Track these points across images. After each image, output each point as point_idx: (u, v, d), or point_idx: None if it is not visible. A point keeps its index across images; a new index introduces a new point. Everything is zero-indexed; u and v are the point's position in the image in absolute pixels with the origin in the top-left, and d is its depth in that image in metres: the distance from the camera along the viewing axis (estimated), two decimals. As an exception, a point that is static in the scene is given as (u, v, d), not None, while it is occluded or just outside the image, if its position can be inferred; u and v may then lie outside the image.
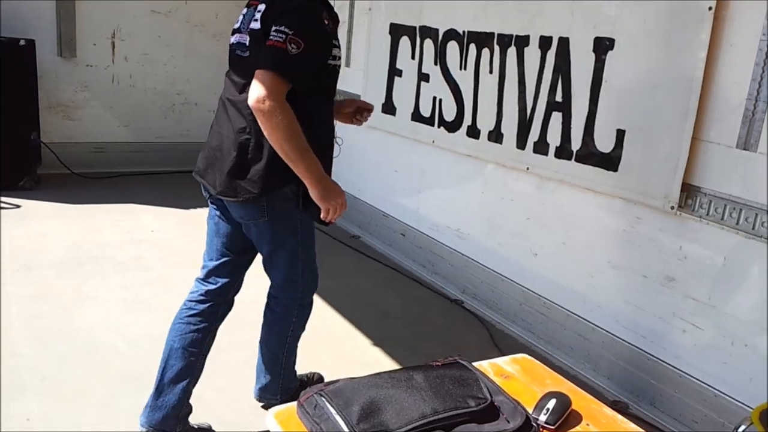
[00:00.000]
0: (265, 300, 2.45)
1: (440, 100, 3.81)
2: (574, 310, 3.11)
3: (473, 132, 3.58)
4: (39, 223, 4.23)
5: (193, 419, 2.32)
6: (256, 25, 1.94)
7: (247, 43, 1.99)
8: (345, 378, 1.21)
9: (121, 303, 3.25)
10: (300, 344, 3.03)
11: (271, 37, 1.83)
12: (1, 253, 3.64)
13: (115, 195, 4.96)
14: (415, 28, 3.96)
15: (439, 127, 3.84)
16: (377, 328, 3.26)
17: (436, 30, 3.78)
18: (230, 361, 2.81)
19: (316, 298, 3.45)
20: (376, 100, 4.30)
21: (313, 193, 1.98)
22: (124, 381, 2.58)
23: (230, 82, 2.07)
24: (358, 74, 4.53)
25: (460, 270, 3.79)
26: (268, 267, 2.31)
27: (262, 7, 1.95)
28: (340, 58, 2.12)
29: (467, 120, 3.62)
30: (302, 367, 2.78)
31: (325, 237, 4.55)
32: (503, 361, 1.44)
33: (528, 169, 3.24)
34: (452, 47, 3.68)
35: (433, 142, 3.90)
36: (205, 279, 2.32)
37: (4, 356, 2.63)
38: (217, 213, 2.22)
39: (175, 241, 4.17)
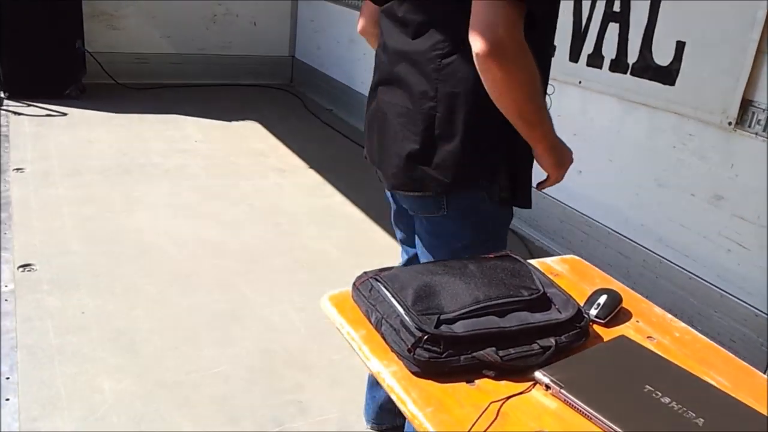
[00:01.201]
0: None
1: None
2: (616, 228, 3.08)
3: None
4: (86, 130, 4.30)
5: (239, 320, 2.41)
6: None
7: None
8: (398, 266, 1.23)
9: (169, 208, 3.33)
10: (346, 254, 3.09)
11: None
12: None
13: (159, 105, 4.99)
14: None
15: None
16: (417, 240, 3.29)
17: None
18: (273, 267, 2.88)
19: (356, 213, 3.49)
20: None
21: (547, 162, 1.49)
22: (173, 280, 2.66)
23: (393, 23, 1.44)
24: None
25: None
26: None
27: None
28: None
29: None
30: (350, 275, 2.85)
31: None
32: (553, 261, 1.44)
33: (580, 83, 3.15)
34: None
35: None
36: None
37: (59, 254, 2.74)
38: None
39: (218, 152, 4.21)
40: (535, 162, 1.52)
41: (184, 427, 1.89)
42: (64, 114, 4.57)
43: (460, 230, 1.50)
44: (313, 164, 4.20)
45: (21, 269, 2.55)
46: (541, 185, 1.59)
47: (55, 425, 1.84)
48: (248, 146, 4.41)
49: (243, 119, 4.90)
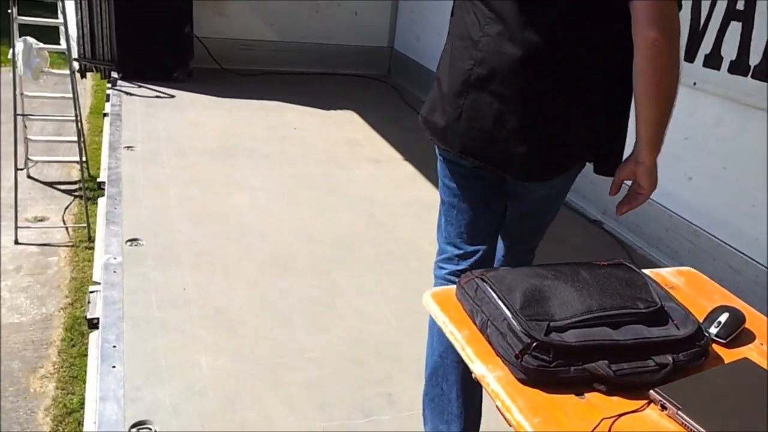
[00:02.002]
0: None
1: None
2: (727, 240, 2.91)
3: (633, 43, 3.32)
4: (192, 113, 4.47)
5: (332, 307, 2.44)
6: None
7: None
8: (505, 267, 1.20)
9: (268, 192, 3.41)
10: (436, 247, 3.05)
11: None
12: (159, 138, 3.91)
13: (261, 91, 5.12)
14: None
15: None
16: (511, 239, 3.22)
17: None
18: (366, 256, 2.89)
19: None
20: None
21: (653, 173, 1.48)
22: (269, 262, 2.72)
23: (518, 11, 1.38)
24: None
25: (602, 189, 3.61)
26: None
27: None
28: None
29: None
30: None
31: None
32: (667, 272, 1.36)
33: (695, 84, 2.98)
34: None
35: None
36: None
37: (164, 231, 2.86)
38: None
39: (316, 140, 4.28)
40: None
41: (276, 408, 1.93)
42: (172, 96, 4.77)
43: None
44: (408, 156, 4.19)
45: (129, 243, 2.68)
46: (627, 205, 1.58)
47: (156, 395, 1.92)
48: (345, 135, 4.45)
49: (341, 108, 4.95)
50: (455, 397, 1.58)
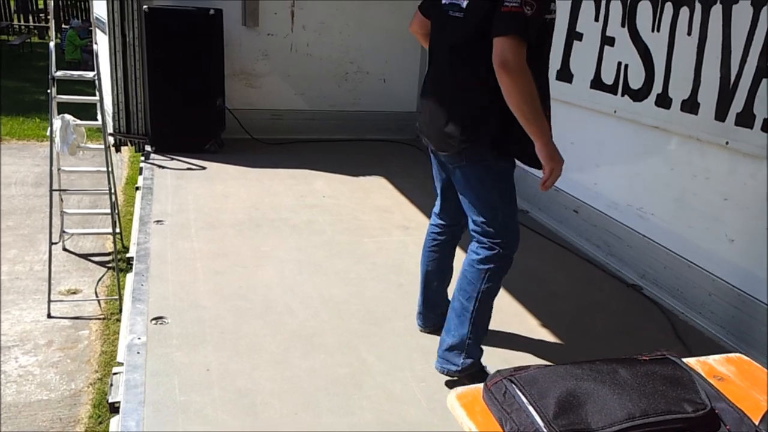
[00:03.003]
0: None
1: (626, 66, 3.50)
2: (776, 305, 2.75)
3: (663, 101, 3.25)
4: (222, 184, 4.51)
5: (359, 387, 2.34)
6: None
7: (464, 6, 2.14)
8: (536, 365, 1.10)
9: (295, 264, 3.37)
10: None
11: (506, 4, 1.93)
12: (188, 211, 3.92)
13: (290, 160, 5.16)
14: (601, -12, 3.67)
15: (622, 95, 3.54)
16: (546, 309, 3.10)
17: (627, -12, 3.47)
18: (395, 330, 2.80)
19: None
20: (552, 66, 4.05)
21: (542, 153, 2.09)
22: (295, 340, 2.65)
23: (442, 42, 2.29)
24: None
25: (640, 252, 3.50)
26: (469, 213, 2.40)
27: None
28: (555, 11, 2.12)
29: (657, 88, 3.30)
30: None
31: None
32: (715, 361, 1.25)
33: (727, 143, 2.88)
34: (644, 7, 3.36)
35: (615, 112, 3.61)
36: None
37: (189, 308, 2.82)
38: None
39: (344, 208, 4.25)
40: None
41: (298, 503, 1.82)
42: (203, 168, 4.82)
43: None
44: (437, 222, 4.13)
45: (154, 322, 2.64)
46: (542, 182, 2.16)
47: (175, 489, 1.83)
48: (374, 202, 4.42)
49: (369, 174, 4.95)
50: None
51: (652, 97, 3.33)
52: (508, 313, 3.03)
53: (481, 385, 1.03)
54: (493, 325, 2.89)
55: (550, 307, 3.13)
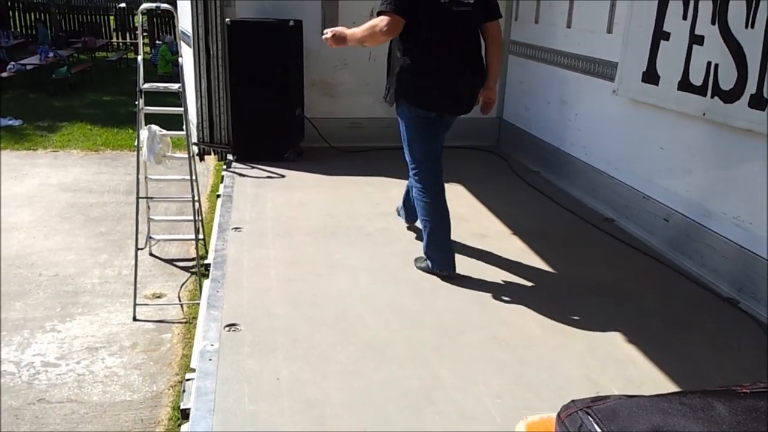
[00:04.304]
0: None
1: (716, 66, 3.27)
2: None
3: (758, 102, 3.01)
4: (299, 192, 4.53)
5: (431, 401, 2.26)
6: None
7: (472, 1, 3.11)
8: (617, 395, 0.99)
9: (369, 272, 3.32)
10: (549, 332, 2.83)
11: None
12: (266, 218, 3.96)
13: (368, 168, 5.14)
14: (690, -17, 3.44)
15: (712, 97, 3.30)
16: (633, 324, 2.91)
17: (718, -16, 3.25)
18: (469, 343, 2.70)
19: (563, 286, 3.23)
20: (637, 67, 3.86)
21: (495, 86, 3.39)
22: (367, 351, 2.60)
23: (453, 33, 3.15)
24: (618, 40, 4.10)
25: (737, 264, 3.24)
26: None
27: None
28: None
29: (750, 88, 3.06)
30: (551, 358, 2.59)
31: (573, 218, 4.25)
32: (829, 394, 1.09)
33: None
34: (736, 2, 3.12)
35: (704, 114, 3.37)
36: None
37: (262, 315, 2.82)
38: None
39: (420, 215, 4.17)
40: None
41: None
42: (282, 176, 4.87)
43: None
44: (516, 230, 3.99)
45: (227, 329, 2.66)
46: (488, 109, 3.49)
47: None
48: (451, 209, 4.31)
49: (446, 181, 4.82)
50: None
51: (745, 98, 3.08)
52: (593, 323, 2.86)
53: (554, 415, 0.93)
54: (575, 338, 2.75)
55: (637, 323, 2.93)
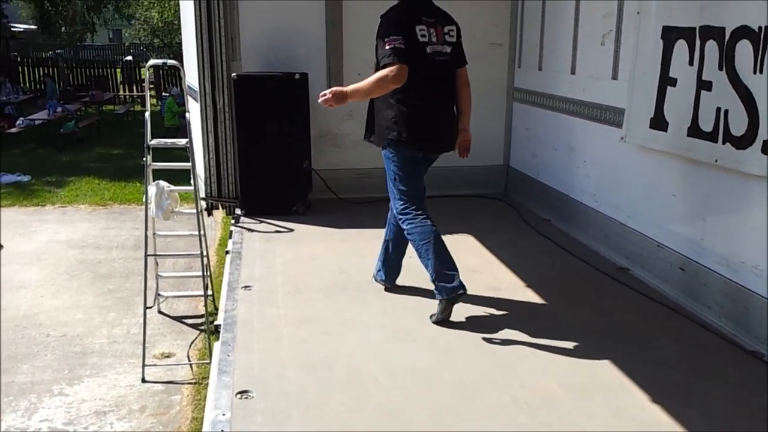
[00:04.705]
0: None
1: (726, 111, 3.26)
2: None
3: (772, 148, 2.99)
4: (309, 246, 4.50)
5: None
6: (452, 39, 3.42)
7: (449, 51, 3.40)
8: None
9: (381, 329, 3.26)
10: (570, 392, 2.74)
11: (461, 44, 3.51)
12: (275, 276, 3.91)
13: (376, 219, 5.06)
14: (694, 29, 3.46)
15: (724, 143, 3.28)
16: (654, 379, 2.82)
17: (722, 29, 3.25)
18: (489, 406, 2.62)
19: (581, 340, 3.15)
20: (644, 113, 3.86)
21: (469, 128, 3.67)
22: (382, 415, 2.52)
23: (437, 79, 3.41)
24: (623, 86, 4.11)
25: (759, 315, 3.17)
26: None
27: (451, 28, 3.43)
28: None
29: (762, 134, 3.04)
30: (575, 423, 2.50)
31: (587, 268, 4.19)
32: None
33: None
34: (743, 47, 3.13)
35: (716, 161, 3.34)
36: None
37: (274, 379, 2.75)
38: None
39: (431, 268, 4.12)
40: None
41: None
42: (291, 230, 4.85)
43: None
44: (530, 282, 3.93)
45: (239, 396, 2.59)
46: (466, 152, 3.79)
47: None
48: (462, 261, 4.24)
49: (457, 232, 4.81)
50: None
51: (758, 144, 3.06)
52: (614, 386, 2.78)
53: None
54: (599, 397, 2.67)
55: (659, 377, 2.86)
